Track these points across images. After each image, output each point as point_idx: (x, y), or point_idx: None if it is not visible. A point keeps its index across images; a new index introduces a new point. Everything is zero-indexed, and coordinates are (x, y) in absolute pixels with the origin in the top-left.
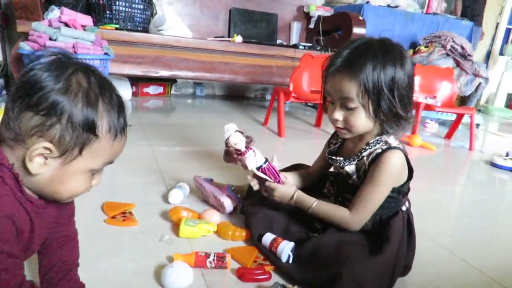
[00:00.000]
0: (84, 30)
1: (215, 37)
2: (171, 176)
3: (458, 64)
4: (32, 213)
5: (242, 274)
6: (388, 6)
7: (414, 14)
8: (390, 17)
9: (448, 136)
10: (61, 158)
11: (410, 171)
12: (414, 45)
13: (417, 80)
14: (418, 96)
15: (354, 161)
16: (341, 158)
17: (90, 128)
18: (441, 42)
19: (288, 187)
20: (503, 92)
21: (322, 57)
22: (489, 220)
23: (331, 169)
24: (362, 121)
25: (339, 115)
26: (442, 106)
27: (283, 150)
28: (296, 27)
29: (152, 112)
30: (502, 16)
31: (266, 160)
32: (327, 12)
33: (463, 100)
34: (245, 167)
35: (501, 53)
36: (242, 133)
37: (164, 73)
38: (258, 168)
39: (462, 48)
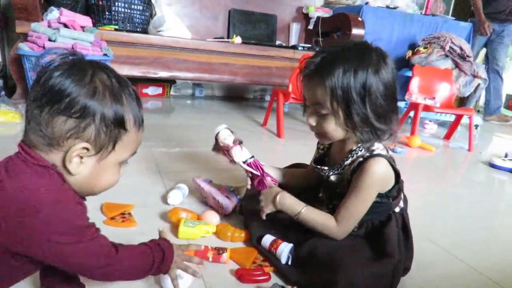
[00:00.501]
0: (83, 31)
1: (214, 38)
2: (170, 177)
3: (457, 65)
4: None
5: (241, 275)
6: (387, 7)
7: (413, 15)
8: (389, 18)
9: (447, 137)
10: (97, 156)
11: (397, 175)
12: (413, 46)
13: (416, 81)
14: (417, 97)
15: (337, 170)
16: (326, 168)
17: (120, 123)
18: (440, 43)
19: (273, 188)
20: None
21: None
22: (488, 221)
23: None
24: (333, 128)
25: (312, 120)
26: (441, 107)
27: (282, 151)
28: (295, 28)
29: (151, 113)
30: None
31: (252, 156)
32: (326, 13)
33: (462, 101)
34: (232, 161)
35: None
36: (231, 132)
37: (163, 74)
38: (244, 162)
39: (461, 49)
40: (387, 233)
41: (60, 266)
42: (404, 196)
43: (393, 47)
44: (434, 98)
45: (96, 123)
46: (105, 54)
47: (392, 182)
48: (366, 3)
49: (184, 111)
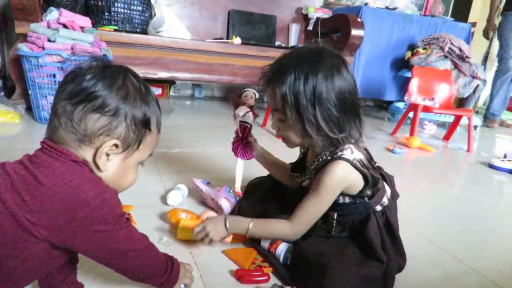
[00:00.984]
0: (83, 31)
1: (214, 39)
2: (170, 177)
3: (456, 66)
4: None
5: (241, 276)
6: (387, 8)
7: (412, 16)
8: (389, 19)
9: (446, 137)
10: (123, 154)
11: (365, 177)
12: (412, 47)
13: (415, 81)
14: (416, 98)
15: (307, 175)
16: (298, 174)
17: (147, 123)
18: (439, 44)
19: (217, 217)
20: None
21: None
22: (487, 221)
23: None
24: (291, 133)
25: (274, 125)
26: (440, 107)
27: (281, 151)
28: (295, 29)
29: None
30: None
31: (251, 125)
32: (325, 14)
33: (461, 102)
34: (234, 116)
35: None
36: (255, 100)
37: (163, 74)
38: (240, 121)
39: (460, 50)
40: (367, 234)
41: (96, 254)
42: (394, 192)
43: (393, 47)
44: (433, 99)
45: (127, 122)
46: (104, 55)
47: (359, 183)
48: (366, 4)
49: (184, 111)
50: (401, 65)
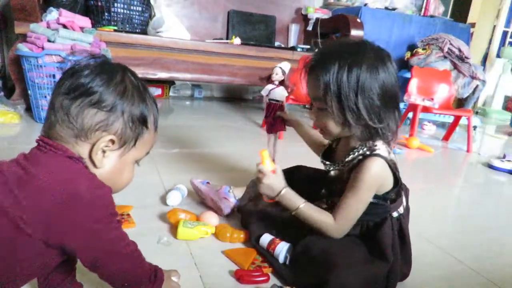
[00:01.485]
0: (83, 31)
1: (214, 39)
2: (169, 178)
3: (455, 67)
4: None
5: (240, 276)
6: (386, 8)
7: (412, 17)
8: (388, 20)
9: (446, 138)
10: (119, 150)
11: (396, 179)
12: (411, 48)
13: (414, 82)
14: (416, 98)
15: (338, 166)
16: (329, 162)
17: (144, 121)
18: (439, 45)
19: (280, 179)
20: (500, 95)
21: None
22: (487, 222)
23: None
24: (330, 123)
25: (314, 114)
26: (439, 108)
27: (281, 152)
28: (294, 29)
29: None
30: (499, 18)
31: (282, 102)
32: (325, 14)
33: (460, 102)
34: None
35: (498, 55)
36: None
37: (162, 75)
38: (269, 99)
39: (460, 50)
40: (380, 235)
41: (85, 254)
42: (407, 205)
43: (392, 48)
44: (432, 99)
45: (124, 118)
46: (104, 55)
47: (389, 184)
48: (365, 5)
49: (183, 112)
50: (401, 65)
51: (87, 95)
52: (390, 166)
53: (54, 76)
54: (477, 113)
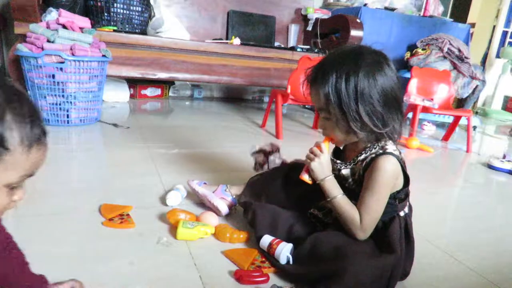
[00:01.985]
0: (82, 32)
1: (213, 40)
2: (169, 178)
3: (455, 67)
4: None
5: (240, 277)
6: (386, 8)
7: (412, 17)
8: (388, 20)
9: (446, 138)
10: None
11: (406, 178)
12: (411, 48)
13: (414, 82)
14: (416, 98)
15: (350, 165)
16: (339, 161)
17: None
18: (438, 45)
19: (330, 165)
20: (500, 95)
21: (319, 59)
22: (486, 222)
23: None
24: (336, 131)
25: (320, 124)
26: (439, 108)
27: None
28: (294, 29)
29: (149, 114)
30: (499, 19)
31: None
32: (324, 14)
33: (460, 103)
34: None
35: (498, 55)
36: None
37: (162, 75)
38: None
39: (459, 50)
40: (389, 231)
41: None
42: (409, 204)
43: (392, 48)
44: (432, 99)
45: None
46: (103, 55)
47: (401, 182)
48: (365, 5)
49: (183, 112)
50: (400, 65)
51: None
52: (401, 165)
53: (53, 76)
54: (476, 113)
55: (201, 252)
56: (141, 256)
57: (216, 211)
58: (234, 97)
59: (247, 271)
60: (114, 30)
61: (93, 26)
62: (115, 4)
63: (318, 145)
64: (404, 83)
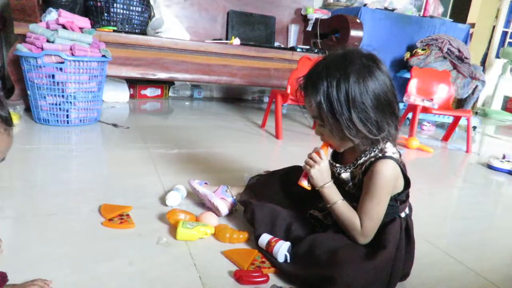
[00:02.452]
0: (82, 32)
1: (213, 40)
2: (169, 178)
3: (455, 67)
4: None
5: (240, 277)
6: (385, 9)
7: (411, 17)
8: (387, 20)
9: (445, 138)
10: None
11: (407, 180)
12: (411, 48)
13: (414, 82)
14: (415, 98)
15: (350, 168)
16: (339, 165)
17: None
18: (438, 45)
19: (330, 172)
20: (500, 95)
21: (319, 59)
22: (486, 222)
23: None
24: (332, 138)
25: (317, 131)
26: (439, 108)
27: (280, 152)
28: (294, 29)
29: (149, 114)
30: (499, 19)
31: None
32: (324, 15)
33: (460, 103)
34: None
35: (497, 56)
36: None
37: (162, 75)
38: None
39: (459, 51)
40: (386, 230)
41: None
42: (409, 204)
43: (391, 48)
44: (432, 99)
45: None
46: (103, 56)
47: (400, 185)
48: (365, 5)
49: (183, 112)
50: (400, 66)
51: None
52: (400, 168)
53: (53, 76)
54: (476, 113)
55: (201, 252)
56: (141, 256)
57: (216, 211)
58: (234, 97)
59: (247, 271)
60: (114, 30)
61: (93, 26)
62: (115, 4)
63: (317, 151)
64: (404, 83)
